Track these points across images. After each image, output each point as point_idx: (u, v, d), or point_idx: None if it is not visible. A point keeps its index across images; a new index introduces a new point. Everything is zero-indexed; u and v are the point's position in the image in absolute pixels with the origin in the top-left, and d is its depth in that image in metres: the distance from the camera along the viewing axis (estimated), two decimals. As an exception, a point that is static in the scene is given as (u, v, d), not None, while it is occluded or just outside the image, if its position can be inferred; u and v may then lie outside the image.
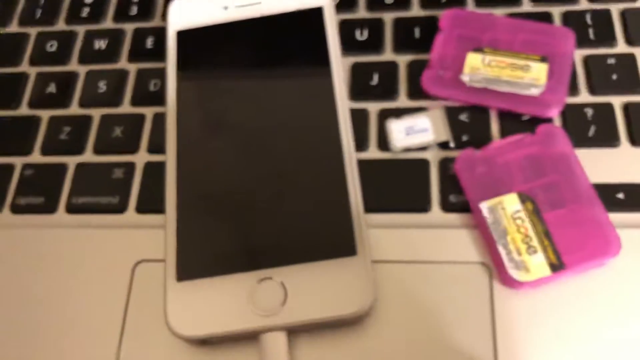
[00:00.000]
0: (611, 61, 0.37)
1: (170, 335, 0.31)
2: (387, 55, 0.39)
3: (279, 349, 0.30)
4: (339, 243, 0.32)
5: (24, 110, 0.40)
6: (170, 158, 0.35)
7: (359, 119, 0.36)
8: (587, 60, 0.37)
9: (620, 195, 0.33)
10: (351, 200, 0.33)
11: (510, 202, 0.32)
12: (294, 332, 0.31)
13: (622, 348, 0.30)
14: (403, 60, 0.38)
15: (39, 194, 0.37)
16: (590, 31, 0.38)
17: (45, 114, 0.40)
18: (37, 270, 0.35)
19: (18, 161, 0.38)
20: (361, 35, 0.39)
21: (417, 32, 0.39)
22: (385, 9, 0.40)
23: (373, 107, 0.37)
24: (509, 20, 0.38)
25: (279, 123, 0.35)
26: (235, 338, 0.31)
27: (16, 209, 0.37)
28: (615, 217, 0.32)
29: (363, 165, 0.35)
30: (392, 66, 0.38)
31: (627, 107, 0.35)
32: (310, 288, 0.31)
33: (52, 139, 0.39)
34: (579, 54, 0.37)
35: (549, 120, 0.35)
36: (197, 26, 0.39)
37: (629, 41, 0.37)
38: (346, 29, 0.39)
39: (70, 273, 0.34)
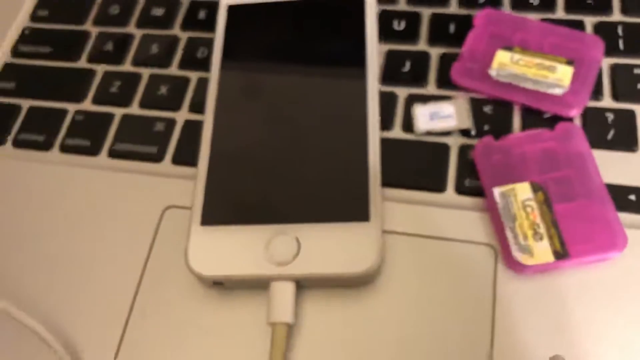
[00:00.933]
0: (637, 71, 0.38)
1: (187, 275, 0.34)
2: (421, 45, 0.40)
3: (286, 296, 0.32)
4: (354, 208, 0.33)
5: (82, 63, 0.43)
6: (207, 118, 0.37)
7: (388, 101, 0.38)
8: (614, 69, 0.38)
9: (632, 197, 0.34)
10: (370, 171, 0.34)
11: (523, 190, 0.34)
12: (303, 285, 0.33)
13: (615, 341, 0.31)
14: (435, 51, 0.40)
15: (86, 137, 0.40)
16: (620, 42, 0.39)
17: (100, 68, 0.43)
18: (76, 205, 0.37)
19: (71, 107, 0.41)
20: (399, 25, 0.41)
21: (451, 28, 0.41)
22: (424, 4, 0.42)
23: (402, 92, 0.39)
24: (541, 24, 0.39)
25: (311, 97, 0.37)
26: (247, 283, 0.33)
27: (65, 149, 0.40)
28: (625, 217, 0.33)
29: (387, 143, 0.37)
30: (425, 56, 0.40)
31: (648, 116, 0.36)
32: (322, 246, 0.32)
33: (103, 90, 0.41)
34: (607, 62, 0.38)
35: (569, 119, 0.36)
36: (248, 2, 0.41)
37: (657, 55, 0.38)
38: (385, 19, 0.41)
39: (106, 211, 0.37)
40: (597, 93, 0.37)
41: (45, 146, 0.40)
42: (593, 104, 0.37)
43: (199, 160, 0.36)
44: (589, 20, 0.40)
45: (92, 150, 0.39)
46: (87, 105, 0.41)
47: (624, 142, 0.36)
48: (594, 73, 0.37)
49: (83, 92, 0.42)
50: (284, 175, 0.35)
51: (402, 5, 0.42)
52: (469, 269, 0.33)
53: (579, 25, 0.40)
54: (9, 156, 0.40)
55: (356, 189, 0.34)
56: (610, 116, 0.36)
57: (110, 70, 0.42)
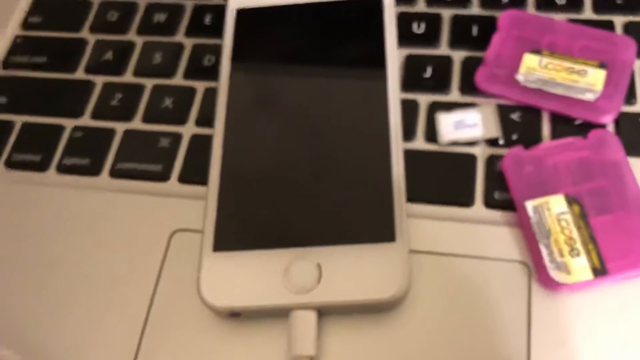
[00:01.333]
0: (672, 73, 0.36)
1: (199, 305, 0.31)
2: (443, 49, 0.38)
3: (308, 327, 0.30)
4: (378, 228, 0.31)
5: (80, 74, 0.41)
6: (217, 132, 0.35)
7: (408, 109, 0.36)
8: (647, 71, 0.36)
9: (671, 208, 0.32)
10: (394, 187, 0.32)
11: (557, 204, 0.32)
12: (325, 313, 0.31)
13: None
14: (458, 55, 0.38)
15: (85, 155, 0.37)
16: (653, 42, 0.37)
17: (99, 80, 0.40)
18: (76, 230, 0.35)
19: (69, 123, 0.39)
20: (418, 28, 0.39)
21: (474, 30, 0.39)
22: (444, 5, 0.40)
23: (424, 99, 0.37)
24: (569, 25, 0.37)
25: (328, 107, 0.35)
26: (265, 313, 0.31)
27: (62, 169, 0.37)
28: (664, 229, 0.31)
29: (409, 155, 0.34)
30: (447, 60, 0.38)
31: (685, 120, 0.34)
32: (345, 270, 0.30)
33: (103, 104, 0.39)
34: (639, 64, 0.36)
35: (602, 126, 0.34)
36: (257, 6, 0.39)
37: (692, 55, 0.36)
38: (404, 22, 0.39)
39: (108, 236, 0.34)
40: (630, 97, 0.35)
41: (42, 167, 0.38)
42: (626, 108, 0.35)
43: (209, 179, 0.34)
44: (619, 20, 0.38)
45: (93, 170, 0.37)
46: (86, 120, 0.39)
47: (660, 149, 0.34)
48: (626, 76, 0.35)
49: (81, 106, 0.39)
50: (302, 193, 0.33)
51: (421, 7, 0.40)
52: (501, 289, 0.31)
53: (609, 26, 0.38)
54: (2, 178, 0.38)
55: (380, 207, 0.32)
56: (645, 121, 0.34)
57: (111, 82, 0.40)
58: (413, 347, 0.30)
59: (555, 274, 0.30)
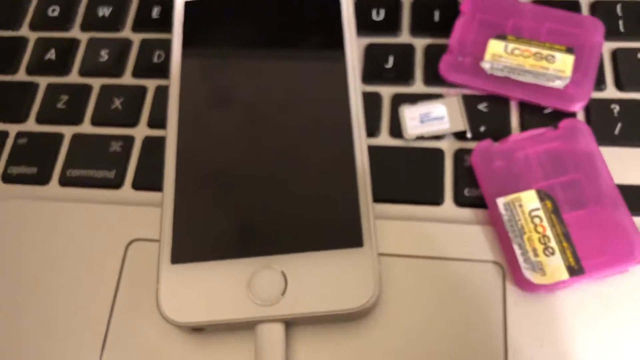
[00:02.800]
0: (641, 56, 0.35)
1: (161, 319, 0.30)
2: (404, 37, 0.37)
3: (275, 340, 0.29)
4: (344, 233, 0.30)
5: (21, 75, 0.39)
6: (170, 134, 0.33)
7: (371, 103, 0.35)
8: (616, 54, 0.35)
9: (646, 198, 0.31)
10: (360, 189, 0.31)
11: (529, 199, 0.30)
12: (292, 323, 0.29)
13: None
14: (420, 43, 0.36)
15: (32, 164, 0.35)
16: (620, 23, 0.36)
17: (43, 81, 0.38)
18: (26, 243, 0.33)
19: (12, 129, 0.37)
20: (377, 15, 0.37)
21: (436, 15, 0.37)
22: (404, -11, 0.38)
23: (386, 92, 0.35)
24: (534, 7, 0.36)
25: (286, 103, 0.33)
26: (230, 327, 0.29)
27: (8, 179, 0.35)
28: (640, 221, 0.30)
29: (373, 152, 0.33)
30: (409, 49, 0.36)
31: (657, 105, 0.33)
32: (312, 279, 0.29)
33: (48, 107, 0.37)
34: (607, 47, 0.35)
35: (572, 114, 0.33)
36: (207, -3, 0.37)
37: (662, 35, 0.35)
38: (362, 8, 0.38)
39: (60, 248, 0.33)
40: (599, 82, 0.34)
41: (-17, 178, 0.36)
42: (596, 95, 0.34)
43: (163, 185, 0.32)
44: (585, 0, 0.36)
45: (41, 179, 0.35)
46: (31, 125, 0.37)
47: (632, 137, 0.33)
48: (595, 61, 0.34)
49: (25, 110, 0.37)
50: (263, 198, 0.31)
51: (380, -9, 0.38)
52: (475, 291, 0.30)
53: (575, 7, 0.37)
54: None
55: (345, 211, 0.30)
56: (615, 108, 0.34)
57: (55, 83, 0.38)
58: (387, 354, 0.29)
59: (530, 275, 0.29)
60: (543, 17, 0.35)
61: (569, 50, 0.34)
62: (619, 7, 0.36)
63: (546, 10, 0.35)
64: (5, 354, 0.31)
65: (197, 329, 0.29)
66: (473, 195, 0.32)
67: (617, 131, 0.33)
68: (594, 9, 0.36)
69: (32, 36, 0.40)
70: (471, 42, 0.35)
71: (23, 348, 0.31)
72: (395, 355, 0.29)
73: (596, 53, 0.34)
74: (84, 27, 0.40)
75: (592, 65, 0.34)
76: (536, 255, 0.29)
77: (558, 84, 0.33)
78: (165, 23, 0.38)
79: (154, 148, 0.35)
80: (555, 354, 0.28)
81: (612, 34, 0.35)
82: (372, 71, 0.36)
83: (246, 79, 0.34)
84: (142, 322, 0.31)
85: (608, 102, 0.34)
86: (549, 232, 0.30)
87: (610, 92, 0.34)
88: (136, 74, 0.37)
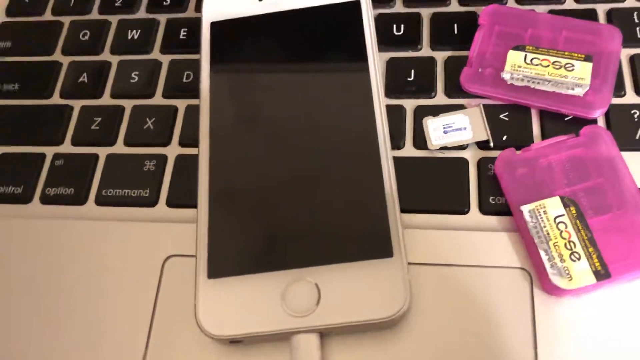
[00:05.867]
0: (659, 60, 0.35)
1: (199, 332, 0.31)
2: (425, 51, 0.38)
3: (311, 351, 0.29)
4: (374, 244, 0.31)
5: (55, 99, 0.40)
6: (202, 151, 0.34)
7: (395, 115, 0.35)
8: (634, 59, 0.35)
9: (668, 201, 0.32)
10: (388, 200, 0.32)
11: (553, 206, 0.31)
12: (326, 333, 0.30)
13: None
14: (441, 56, 0.37)
15: (69, 184, 0.36)
16: (638, 29, 0.36)
17: (77, 104, 0.39)
18: (65, 262, 0.34)
19: (49, 151, 0.38)
20: (398, 30, 0.38)
21: (455, 28, 0.38)
22: (422, 4, 0.39)
23: (409, 104, 0.36)
24: (551, 17, 0.36)
25: (314, 119, 0.34)
26: (266, 338, 0.30)
27: (45, 199, 0.36)
28: (664, 223, 0.31)
29: (399, 163, 0.34)
30: (430, 62, 0.37)
31: (676, 110, 0.34)
32: (345, 290, 0.30)
33: (83, 129, 0.38)
34: (625, 53, 0.36)
35: (593, 121, 0.34)
36: (231, 17, 0.38)
37: (679, 40, 0.36)
38: (383, 24, 0.38)
39: (98, 267, 0.34)
40: (618, 88, 0.35)
41: (24, 198, 0.37)
42: (616, 100, 0.35)
43: (198, 202, 0.33)
44: (601, 8, 0.37)
45: (78, 199, 0.36)
46: (67, 147, 0.38)
47: (653, 141, 0.33)
48: (614, 67, 0.35)
49: (60, 132, 0.38)
50: (294, 212, 0.32)
51: (399, 7, 0.39)
52: (504, 297, 0.31)
53: (591, 15, 0.37)
54: (-16, 213, 0.37)
55: (375, 222, 0.31)
56: (636, 113, 0.34)
57: (89, 105, 0.39)
58: (419, 360, 0.30)
59: (557, 280, 0.30)
60: (560, 26, 0.36)
61: (587, 58, 0.35)
62: (635, 14, 0.37)
63: (563, 20, 0.36)
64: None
65: (235, 342, 0.30)
66: (498, 203, 0.33)
67: (638, 136, 0.33)
68: (610, 17, 0.37)
69: (65, 61, 0.41)
70: (491, 53, 0.36)
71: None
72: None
73: (614, 60, 0.35)
74: (114, 50, 0.41)
75: (611, 72, 0.34)
76: (562, 260, 0.30)
77: (578, 91, 0.34)
78: (192, 44, 0.39)
79: (186, 166, 0.36)
80: (584, 357, 0.29)
81: (629, 40, 0.36)
82: (395, 85, 0.36)
83: (274, 95, 0.35)
84: (181, 336, 0.31)
85: (628, 107, 0.34)
86: (574, 238, 0.30)
87: (630, 97, 0.35)
88: (166, 94, 0.38)
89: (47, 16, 0.43)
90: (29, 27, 0.43)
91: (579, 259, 0.30)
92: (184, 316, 0.32)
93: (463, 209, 0.33)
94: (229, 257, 0.31)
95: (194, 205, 0.33)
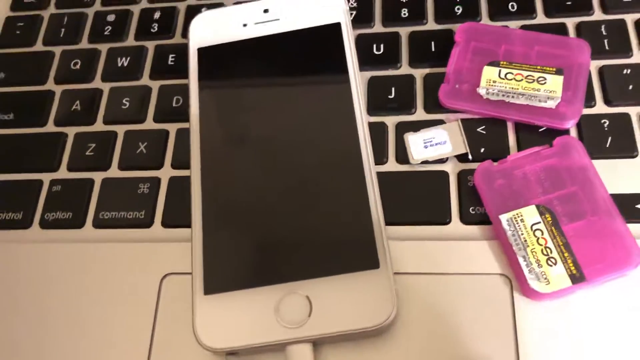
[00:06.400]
0: (627, 71, 0.37)
1: (197, 346, 0.32)
2: (404, 68, 0.39)
3: (305, 360, 0.31)
4: (361, 256, 0.32)
5: (50, 127, 0.41)
6: (194, 173, 0.36)
7: (377, 132, 0.37)
8: (603, 71, 0.37)
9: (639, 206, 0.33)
10: (373, 214, 0.33)
11: (529, 214, 0.33)
12: (319, 343, 0.32)
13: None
14: (419, 73, 0.39)
15: (66, 209, 0.38)
16: (605, 41, 0.38)
17: (71, 131, 0.40)
18: (66, 284, 0.35)
19: (46, 177, 0.39)
20: (378, 49, 0.40)
21: (433, 46, 0.39)
22: (400, 23, 0.41)
23: (391, 121, 0.37)
24: (524, 33, 0.38)
25: (300, 137, 0.36)
26: (262, 349, 0.31)
27: (45, 224, 0.37)
28: (636, 227, 0.32)
29: (382, 177, 0.35)
30: (409, 79, 0.38)
31: (643, 118, 0.35)
32: (335, 301, 0.31)
33: (78, 155, 0.39)
34: (594, 65, 0.37)
35: (565, 131, 0.35)
36: (218, 43, 0.39)
37: (645, 51, 0.37)
38: (363, 44, 0.40)
39: (98, 287, 0.35)
40: (589, 99, 0.36)
41: (24, 224, 0.38)
42: (586, 111, 0.36)
43: (191, 221, 0.34)
44: (571, 22, 0.39)
45: (76, 223, 0.37)
46: (63, 173, 0.39)
47: (623, 149, 0.35)
48: (584, 80, 0.36)
49: (56, 159, 0.39)
50: (284, 228, 0.34)
51: (378, 27, 0.41)
52: (486, 303, 0.32)
53: (562, 29, 0.39)
54: (-17, 239, 0.38)
55: (361, 235, 0.33)
56: (605, 122, 0.36)
57: (82, 132, 0.40)
58: (407, 366, 0.31)
59: (535, 284, 0.31)
60: (532, 41, 0.37)
61: (559, 71, 0.36)
62: (603, 27, 0.38)
63: (535, 35, 0.38)
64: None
65: (232, 354, 0.31)
66: (478, 213, 0.34)
67: (608, 144, 0.35)
68: (579, 30, 0.39)
69: (58, 89, 0.42)
70: (467, 69, 0.37)
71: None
72: (416, 366, 0.31)
73: (584, 72, 0.36)
74: (105, 78, 0.42)
75: (581, 83, 0.36)
76: (540, 266, 0.32)
77: (550, 103, 0.35)
78: (181, 69, 0.40)
79: (179, 187, 0.37)
80: (563, 356, 0.30)
81: (598, 52, 0.38)
82: (377, 102, 0.38)
83: (261, 116, 0.37)
84: (181, 350, 0.33)
85: (598, 117, 0.36)
86: (550, 244, 0.32)
87: (600, 107, 0.36)
88: (157, 118, 0.40)
89: (39, 46, 0.44)
90: (21, 58, 0.44)
91: (555, 264, 0.31)
92: (182, 331, 0.33)
93: (445, 220, 0.34)
94: (223, 274, 0.33)
95: (188, 224, 0.35)
